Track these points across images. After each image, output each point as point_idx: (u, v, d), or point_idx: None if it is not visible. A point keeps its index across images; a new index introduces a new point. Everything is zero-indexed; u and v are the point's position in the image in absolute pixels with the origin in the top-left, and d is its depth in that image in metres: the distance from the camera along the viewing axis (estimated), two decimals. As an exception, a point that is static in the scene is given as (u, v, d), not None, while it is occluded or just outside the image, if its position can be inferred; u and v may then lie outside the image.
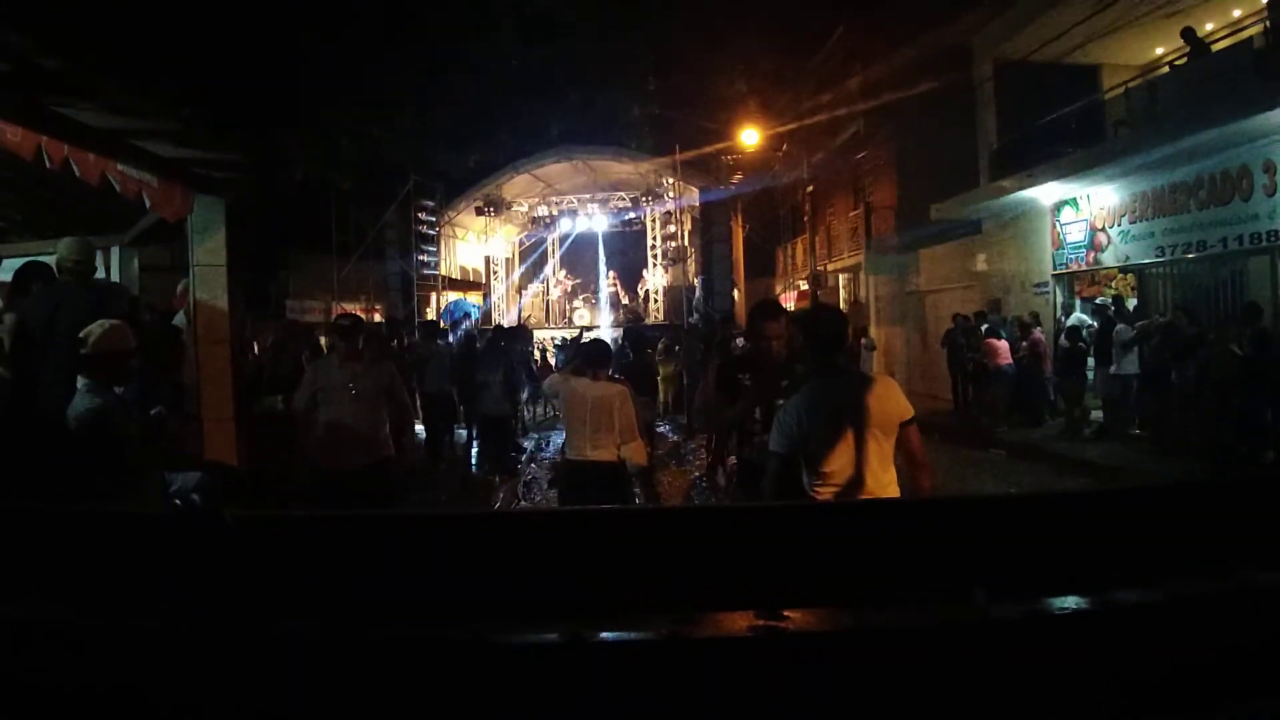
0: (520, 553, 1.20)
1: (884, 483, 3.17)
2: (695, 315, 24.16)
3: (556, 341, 20.10)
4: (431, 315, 21.00)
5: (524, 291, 30.42)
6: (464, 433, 11.88)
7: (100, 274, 7.79)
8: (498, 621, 1.03)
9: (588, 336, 13.19)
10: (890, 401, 3.20)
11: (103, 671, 1.02)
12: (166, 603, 1.10)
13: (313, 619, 1.03)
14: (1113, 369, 11.06)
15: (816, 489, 3.16)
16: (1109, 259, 12.95)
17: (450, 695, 0.99)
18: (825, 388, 3.23)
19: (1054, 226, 14.12)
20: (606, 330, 23.12)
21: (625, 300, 28.81)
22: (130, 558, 1.22)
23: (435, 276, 22.95)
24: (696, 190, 26.09)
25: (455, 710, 0.98)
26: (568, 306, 28.36)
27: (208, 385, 5.98)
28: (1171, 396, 10.03)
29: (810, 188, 20.30)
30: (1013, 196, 14.03)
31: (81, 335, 3.84)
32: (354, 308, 19.59)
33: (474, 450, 11.39)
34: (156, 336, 5.24)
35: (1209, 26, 12.37)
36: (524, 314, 28.17)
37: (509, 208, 27.61)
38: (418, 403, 11.92)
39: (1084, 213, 13.38)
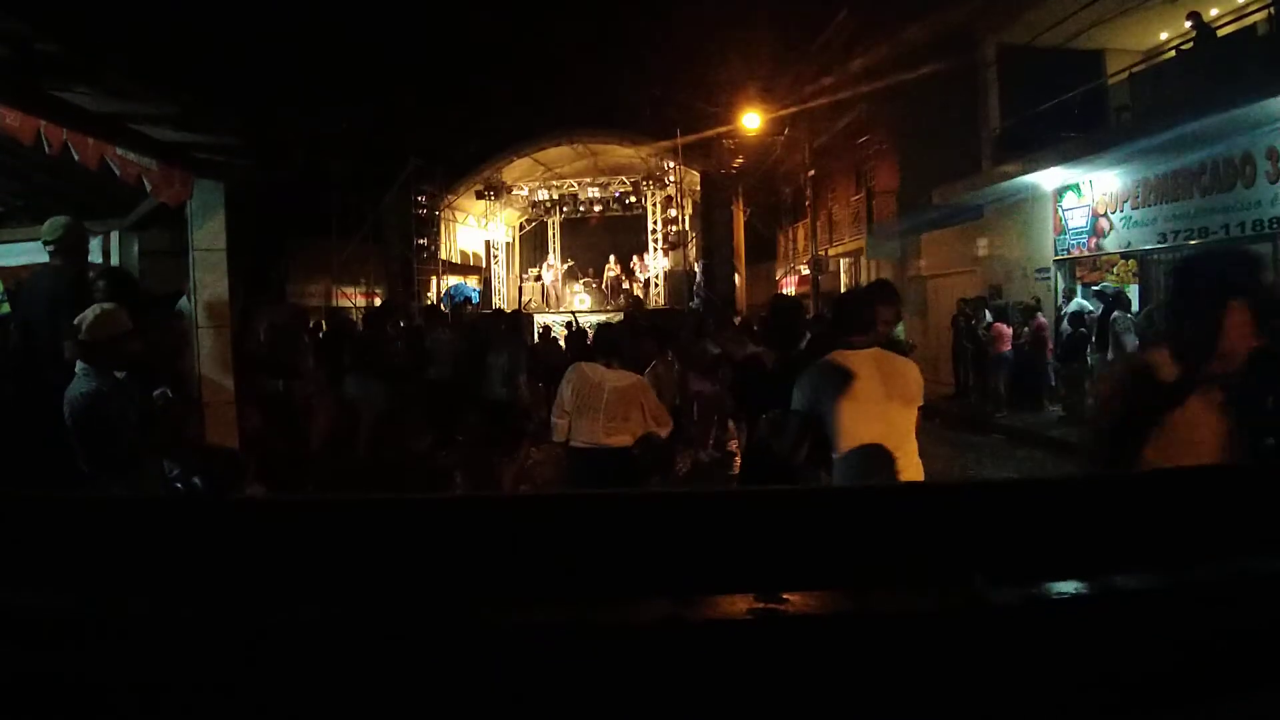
0: (520, 536, 1.21)
1: (906, 454, 3.17)
2: (696, 300, 24.15)
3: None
4: (432, 299, 21.00)
5: (524, 275, 30.38)
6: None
7: (99, 259, 7.83)
8: (498, 605, 1.03)
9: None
10: (911, 380, 3.23)
11: (101, 662, 1.03)
12: (167, 590, 1.10)
13: (314, 604, 1.04)
14: (1109, 355, 11.06)
15: (836, 457, 3.16)
16: (1111, 245, 12.92)
17: (450, 678, 0.99)
18: (842, 357, 3.23)
19: (1056, 212, 14.08)
20: (605, 315, 23.08)
21: (626, 285, 28.77)
22: (131, 543, 1.22)
23: (435, 260, 22.95)
24: (698, 174, 26.04)
25: (455, 694, 0.99)
26: (567, 291, 28.31)
27: (209, 369, 5.97)
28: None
29: (812, 172, 20.22)
30: (1015, 181, 13.98)
31: (76, 321, 3.84)
32: (354, 291, 19.62)
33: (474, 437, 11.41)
34: (159, 321, 5.23)
35: (1214, 12, 12.29)
36: (524, 298, 28.14)
37: (509, 192, 27.57)
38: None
39: (1086, 198, 13.33)
